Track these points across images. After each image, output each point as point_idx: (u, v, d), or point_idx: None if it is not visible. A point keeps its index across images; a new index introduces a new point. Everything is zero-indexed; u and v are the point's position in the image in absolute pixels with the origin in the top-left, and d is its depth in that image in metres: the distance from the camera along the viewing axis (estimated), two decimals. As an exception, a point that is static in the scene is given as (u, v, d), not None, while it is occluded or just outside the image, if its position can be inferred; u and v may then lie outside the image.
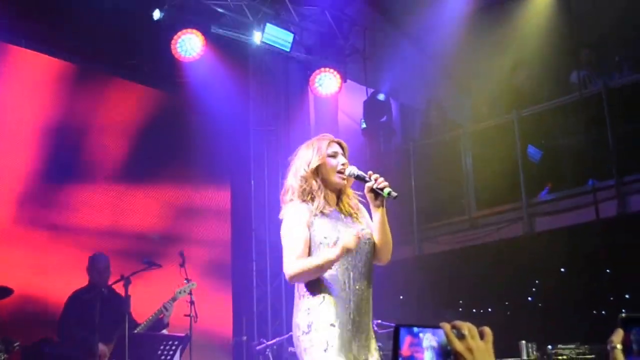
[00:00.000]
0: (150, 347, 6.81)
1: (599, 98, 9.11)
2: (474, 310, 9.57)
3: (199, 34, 9.16)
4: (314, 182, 3.98)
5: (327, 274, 3.83)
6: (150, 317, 7.19)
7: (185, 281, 7.31)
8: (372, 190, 3.89)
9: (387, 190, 3.88)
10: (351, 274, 3.87)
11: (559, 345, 7.55)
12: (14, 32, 8.48)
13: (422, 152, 10.72)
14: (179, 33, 9.14)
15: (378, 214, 3.99)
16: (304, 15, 10.31)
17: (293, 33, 9.91)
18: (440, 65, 12.01)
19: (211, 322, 8.46)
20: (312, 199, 3.96)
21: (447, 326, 1.85)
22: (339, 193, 4.09)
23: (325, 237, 3.86)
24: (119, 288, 7.10)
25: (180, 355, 7.13)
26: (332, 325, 3.78)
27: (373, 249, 4.01)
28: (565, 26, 10.08)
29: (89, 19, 8.64)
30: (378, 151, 11.39)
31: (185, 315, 7.32)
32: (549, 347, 7.63)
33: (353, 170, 3.99)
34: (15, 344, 6.50)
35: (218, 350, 9.40)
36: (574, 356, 7.48)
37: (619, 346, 1.97)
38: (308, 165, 4.01)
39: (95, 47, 9.07)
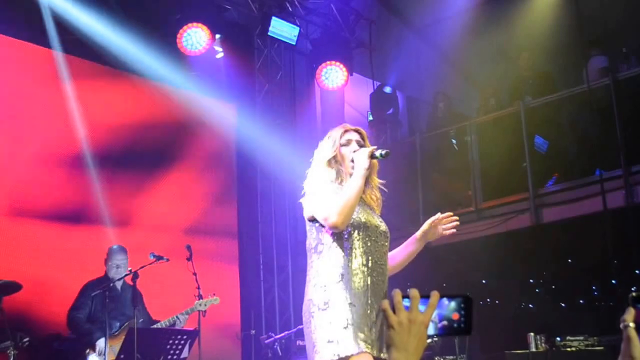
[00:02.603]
0: (159, 341, 6.84)
1: (607, 89, 9.10)
2: (482, 302, 9.59)
3: (205, 27, 9.16)
4: (332, 170, 4.04)
5: (347, 256, 3.83)
6: (163, 321, 7.22)
7: (209, 295, 7.31)
8: (372, 156, 3.91)
9: (378, 152, 3.91)
10: (369, 258, 3.87)
11: (568, 337, 7.57)
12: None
13: (429, 144, 10.72)
14: (185, 27, 9.15)
15: (416, 246, 4.24)
16: (310, 9, 10.34)
17: (299, 27, 9.95)
18: (447, 58, 12.01)
19: (220, 316, 8.48)
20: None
21: (397, 296, 1.88)
22: (365, 183, 4.07)
23: (357, 218, 3.89)
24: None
25: (189, 349, 7.13)
26: (352, 304, 3.75)
27: (388, 245, 4.05)
28: (572, 17, 10.05)
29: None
30: (385, 144, 11.39)
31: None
32: (558, 338, 7.65)
33: (362, 152, 3.98)
34: (25, 340, 6.52)
35: (227, 344, 9.41)
36: (583, 347, 7.51)
37: (631, 324, 1.99)
38: (324, 157, 4.07)
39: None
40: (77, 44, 8.72)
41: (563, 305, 8.96)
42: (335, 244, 3.86)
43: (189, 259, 7.26)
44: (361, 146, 4.05)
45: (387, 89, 11.22)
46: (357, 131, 4.14)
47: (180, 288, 7.75)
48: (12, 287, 6.49)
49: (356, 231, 3.87)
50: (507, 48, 10.76)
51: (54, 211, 8.46)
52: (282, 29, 9.74)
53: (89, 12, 8.68)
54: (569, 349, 7.52)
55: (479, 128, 10.26)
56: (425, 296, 1.89)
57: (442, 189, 10.40)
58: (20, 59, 8.58)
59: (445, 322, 1.94)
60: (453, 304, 1.94)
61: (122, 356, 6.72)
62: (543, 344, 7.69)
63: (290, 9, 10.07)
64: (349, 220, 3.81)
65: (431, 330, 1.92)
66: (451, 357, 7.78)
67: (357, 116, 11.82)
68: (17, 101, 8.40)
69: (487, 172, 9.95)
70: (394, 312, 1.88)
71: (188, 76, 9.66)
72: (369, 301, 3.80)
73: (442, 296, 1.92)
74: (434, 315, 1.91)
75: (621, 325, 2.24)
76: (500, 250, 9.17)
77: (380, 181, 4.17)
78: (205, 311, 7.23)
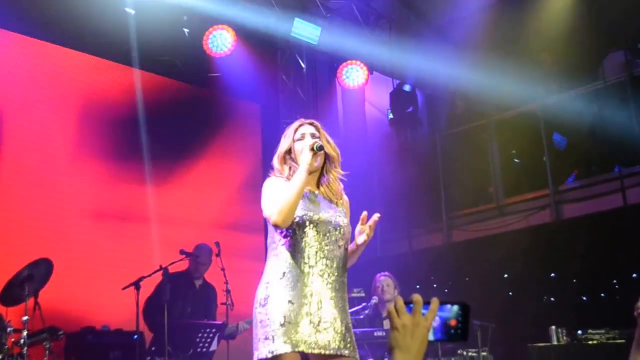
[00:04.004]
0: (188, 334, 6.97)
1: (623, 84, 9.18)
2: (504, 297, 9.66)
3: (229, 29, 9.32)
4: (285, 166, 4.00)
5: (292, 253, 3.78)
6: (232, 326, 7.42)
7: None
8: (312, 149, 3.84)
9: (315, 145, 3.86)
10: (317, 253, 3.79)
11: (589, 330, 7.59)
12: (50, 31, 8.71)
13: (449, 141, 10.83)
14: (210, 29, 9.31)
15: (358, 248, 3.99)
16: (331, 9, 10.47)
17: (320, 27, 10.06)
18: (465, 55, 12.07)
19: (248, 310, 8.57)
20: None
21: (399, 301, 1.97)
22: (320, 175, 4.06)
23: (296, 216, 3.79)
24: (212, 281, 7.51)
25: (218, 343, 7.26)
26: (290, 302, 3.69)
27: (344, 239, 3.93)
28: (588, 13, 10.12)
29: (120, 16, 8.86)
30: (405, 141, 11.52)
31: (222, 304, 7.43)
32: (579, 332, 7.68)
33: (304, 146, 3.93)
34: (60, 333, 6.67)
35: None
36: (604, 341, 7.48)
37: None
38: (278, 153, 4.06)
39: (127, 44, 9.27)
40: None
41: (584, 299, 9.02)
42: (282, 241, 3.82)
43: (218, 254, 7.38)
44: (316, 138, 3.98)
45: (407, 87, 11.29)
46: (311, 124, 4.08)
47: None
48: (46, 266, 6.62)
49: (303, 228, 3.80)
50: (525, 45, 10.82)
51: (90, 206, 8.67)
52: (304, 30, 9.88)
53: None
54: (590, 342, 7.50)
55: (499, 125, 10.36)
56: (426, 302, 1.96)
57: (463, 186, 10.50)
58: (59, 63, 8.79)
59: (443, 328, 2.00)
60: (451, 311, 2.01)
61: (153, 348, 6.89)
62: (564, 337, 7.71)
63: (312, 9, 10.20)
64: (290, 218, 3.74)
65: (430, 336, 1.97)
66: (473, 350, 7.84)
67: (377, 114, 11.93)
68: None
69: (507, 169, 10.05)
70: (398, 315, 1.95)
71: (213, 77, 9.84)
72: (314, 299, 3.72)
73: (441, 302, 1.99)
74: (435, 320, 1.98)
75: (635, 313, 2.35)
76: (521, 245, 9.25)
77: (342, 172, 4.08)
78: (233, 303, 7.34)
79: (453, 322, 2.00)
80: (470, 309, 2.01)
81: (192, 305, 7.43)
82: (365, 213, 3.95)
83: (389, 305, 2.02)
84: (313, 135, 4.01)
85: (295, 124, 4.10)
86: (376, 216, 3.93)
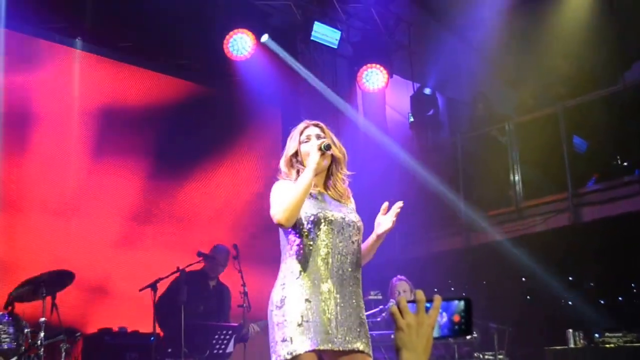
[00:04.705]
0: (205, 336, 7.02)
1: (640, 88, 9.16)
2: (521, 300, 9.67)
3: (250, 33, 9.40)
4: (292, 170, 4.01)
5: (307, 252, 3.79)
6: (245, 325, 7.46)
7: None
8: (319, 149, 3.85)
9: (322, 144, 3.87)
10: (332, 252, 3.79)
11: (607, 333, 7.58)
12: (69, 32, 8.90)
13: (470, 144, 10.84)
14: (231, 33, 9.40)
15: (375, 241, 4.02)
16: (350, 13, 10.53)
17: (340, 30, 10.12)
18: (485, 58, 12.07)
19: (264, 312, 8.61)
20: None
21: (402, 302, 2.00)
22: (327, 176, 4.07)
23: (311, 215, 3.81)
24: (226, 282, 7.57)
25: (234, 345, 7.30)
26: (307, 300, 3.68)
27: (358, 235, 3.94)
28: (608, 17, 10.09)
29: (141, 19, 8.97)
30: (426, 144, 11.54)
31: (239, 306, 7.40)
32: (597, 335, 7.67)
33: (312, 147, 3.93)
34: (77, 334, 6.77)
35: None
36: (622, 344, 7.48)
37: None
38: (285, 156, 4.05)
39: (147, 47, 9.39)
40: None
41: (602, 302, 9.00)
42: (296, 242, 3.81)
43: (236, 257, 7.39)
44: (322, 139, 3.95)
45: (427, 91, 11.30)
46: (316, 125, 4.07)
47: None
48: (67, 277, 6.68)
49: (318, 226, 3.80)
50: (545, 48, 10.81)
51: (109, 208, 8.79)
52: (324, 33, 9.93)
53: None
54: (607, 345, 7.50)
55: (518, 128, 10.35)
56: (429, 300, 1.99)
57: (482, 188, 10.50)
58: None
59: (447, 324, 2.03)
60: (455, 307, 2.03)
61: (169, 350, 6.94)
62: (582, 340, 7.71)
63: (331, 13, 10.26)
64: (294, 217, 3.74)
65: (435, 333, 2.00)
66: (490, 353, 7.85)
67: (398, 118, 11.96)
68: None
69: (527, 172, 10.04)
70: (402, 315, 1.98)
71: (234, 80, 9.93)
72: (331, 296, 3.73)
73: (444, 299, 2.01)
74: (439, 317, 2.01)
75: None
76: (540, 248, 9.24)
77: (348, 172, 4.07)
78: (250, 306, 7.36)
79: (457, 318, 2.03)
80: (472, 304, 2.03)
81: (205, 305, 7.48)
82: (386, 203, 3.98)
83: (392, 306, 2.00)
84: (318, 137, 4.00)
85: (301, 125, 4.10)
86: (399, 205, 3.97)
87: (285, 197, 3.76)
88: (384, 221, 3.96)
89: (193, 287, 7.21)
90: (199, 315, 7.37)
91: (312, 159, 3.84)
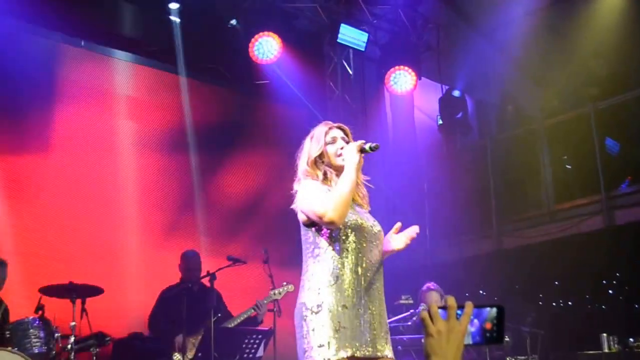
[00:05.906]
0: (235, 340, 6.97)
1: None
2: (554, 304, 9.57)
3: (275, 36, 9.35)
4: (318, 171, 3.97)
5: (341, 258, 3.75)
6: (241, 313, 7.39)
7: (284, 283, 7.45)
8: (361, 150, 3.81)
9: (367, 145, 3.81)
10: (364, 259, 3.77)
11: (641, 338, 7.51)
12: (96, 40, 8.94)
13: (499, 147, 10.75)
14: (256, 36, 9.36)
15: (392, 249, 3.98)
16: (378, 15, 10.45)
17: (367, 32, 10.05)
18: (514, 60, 11.98)
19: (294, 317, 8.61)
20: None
21: (433, 308, 1.95)
22: None
23: (349, 221, 3.77)
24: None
25: (265, 349, 7.23)
26: (344, 306, 3.67)
27: (381, 244, 3.91)
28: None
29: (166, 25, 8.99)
30: (455, 147, 11.45)
31: (269, 310, 7.38)
32: (631, 339, 7.59)
33: (351, 147, 3.88)
34: (107, 338, 6.77)
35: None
36: (656, 348, 7.44)
37: None
38: (309, 157, 4.01)
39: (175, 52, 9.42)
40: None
41: (636, 306, 8.88)
42: (330, 247, 3.77)
43: (266, 261, 7.39)
44: (347, 143, 3.94)
45: (456, 93, 11.22)
46: (340, 128, 4.04)
47: (255, 291, 7.91)
48: (96, 291, 6.73)
49: (353, 233, 3.77)
50: (574, 49, 10.70)
51: (138, 214, 8.80)
52: (351, 36, 9.86)
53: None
54: (642, 350, 7.47)
55: (549, 130, 10.25)
56: (460, 306, 1.95)
57: (513, 191, 10.40)
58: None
59: (478, 331, 1.99)
60: (487, 314, 1.99)
61: (199, 354, 6.91)
62: (615, 345, 7.64)
63: (358, 15, 10.20)
64: (345, 215, 3.72)
65: (466, 340, 1.97)
66: (523, 357, 7.78)
67: (426, 120, 11.89)
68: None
69: (559, 174, 9.93)
70: (432, 321, 1.94)
71: (260, 84, 9.92)
72: (363, 302, 3.72)
73: (475, 306, 1.97)
74: (471, 324, 1.98)
75: None
76: (572, 251, 9.14)
77: (366, 177, 4.05)
78: (280, 310, 7.34)
79: (488, 325, 1.99)
80: (504, 312, 1.99)
81: (188, 310, 7.34)
82: (399, 224, 3.97)
83: (422, 312, 1.96)
84: (344, 140, 3.98)
85: (324, 127, 4.05)
86: (415, 230, 3.96)
87: (333, 196, 3.71)
88: (396, 241, 3.95)
89: (175, 296, 7.20)
90: (182, 320, 7.31)
91: (354, 159, 3.78)
